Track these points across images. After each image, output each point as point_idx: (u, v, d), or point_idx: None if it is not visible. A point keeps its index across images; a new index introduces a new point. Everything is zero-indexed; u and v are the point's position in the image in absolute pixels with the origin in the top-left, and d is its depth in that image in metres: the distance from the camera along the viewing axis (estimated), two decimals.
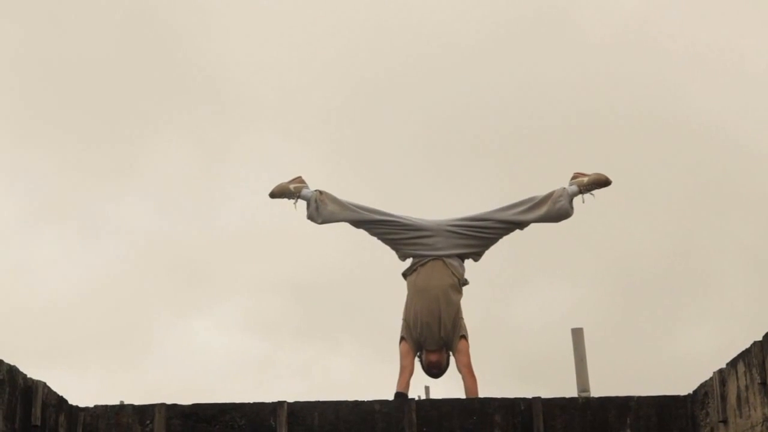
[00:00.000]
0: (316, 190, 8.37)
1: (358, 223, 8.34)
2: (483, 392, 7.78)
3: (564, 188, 8.30)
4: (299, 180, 8.47)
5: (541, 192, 8.32)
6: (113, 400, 7.74)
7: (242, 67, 20.42)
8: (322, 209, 8.29)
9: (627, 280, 18.86)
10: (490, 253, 8.36)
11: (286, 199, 8.43)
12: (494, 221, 8.21)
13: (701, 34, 18.85)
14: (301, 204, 8.43)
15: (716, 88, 18.88)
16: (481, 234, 8.21)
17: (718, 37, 18.77)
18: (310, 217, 8.37)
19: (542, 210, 8.21)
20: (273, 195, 8.46)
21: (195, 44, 20.23)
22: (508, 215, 8.23)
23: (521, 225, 8.28)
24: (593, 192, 8.29)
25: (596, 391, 8.23)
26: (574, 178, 8.35)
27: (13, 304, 19.07)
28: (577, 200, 8.31)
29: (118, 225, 19.68)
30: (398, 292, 8.30)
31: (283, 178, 8.53)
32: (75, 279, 19.35)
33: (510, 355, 17.52)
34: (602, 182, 8.27)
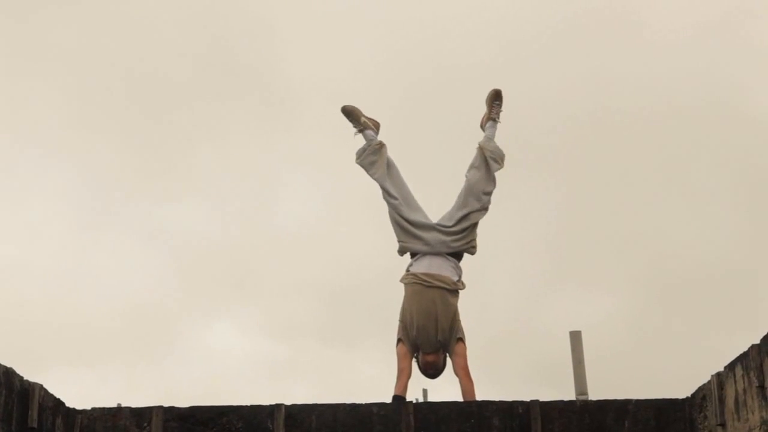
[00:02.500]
0: (379, 140, 8.50)
1: (381, 188, 8.45)
2: (503, 395, 7.73)
3: (483, 137, 8.51)
4: (375, 123, 8.59)
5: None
6: (126, 403, 7.79)
7: (297, 72, 20.56)
8: (365, 156, 8.47)
9: (663, 286, 18.69)
10: (523, 259, 8.34)
11: (352, 125, 8.58)
12: (478, 198, 8.30)
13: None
14: (359, 138, 8.55)
15: None
16: (472, 221, 8.23)
17: None
18: (356, 154, 8.54)
19: (490, 165, 8.34)
20: (344, 110, 8.60)
21: (252, 49, 20.41)
22: (482, 188, 8.31)
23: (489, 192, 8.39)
24: (500, 110, 8.54)
25: (598, 394, 8.21)
26: (483, 122, 8.60)
27: (63, 307, 19.33)
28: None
29: (166, 228, 19.86)
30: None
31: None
32: (126, 285, 19.56)
33: (539, 358, 17.45)
34: (493, 96, 8.55)
